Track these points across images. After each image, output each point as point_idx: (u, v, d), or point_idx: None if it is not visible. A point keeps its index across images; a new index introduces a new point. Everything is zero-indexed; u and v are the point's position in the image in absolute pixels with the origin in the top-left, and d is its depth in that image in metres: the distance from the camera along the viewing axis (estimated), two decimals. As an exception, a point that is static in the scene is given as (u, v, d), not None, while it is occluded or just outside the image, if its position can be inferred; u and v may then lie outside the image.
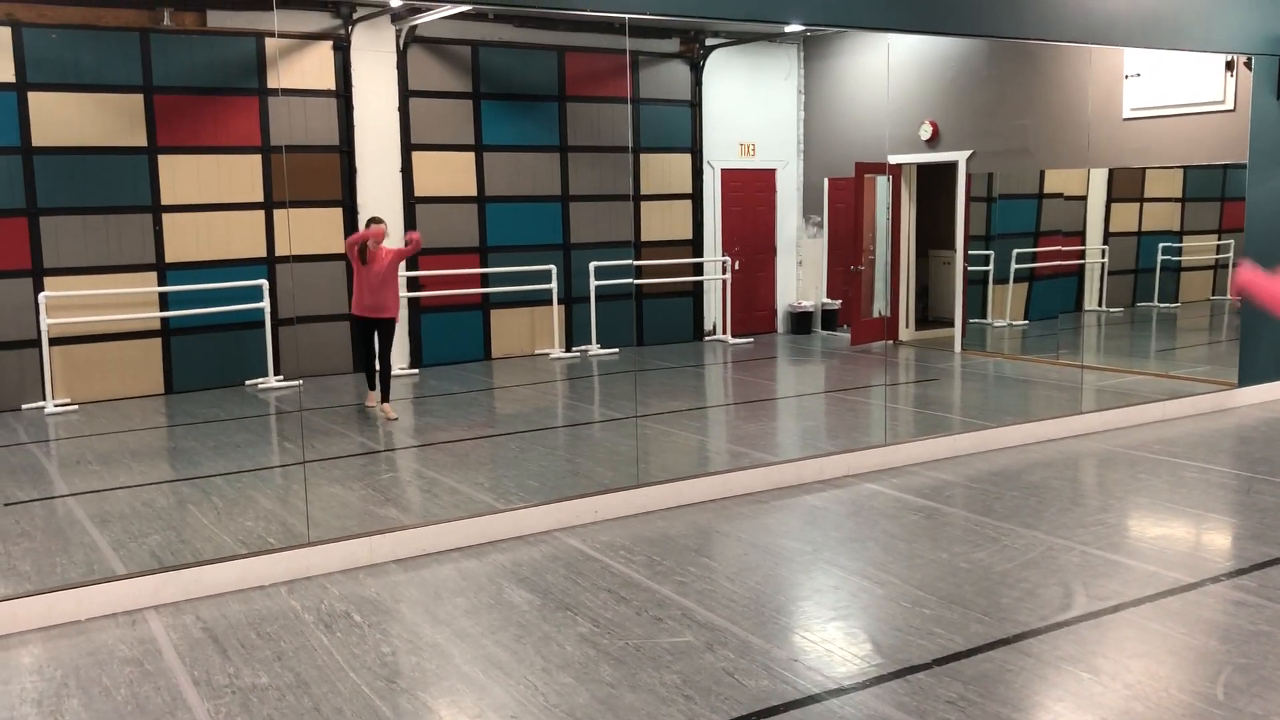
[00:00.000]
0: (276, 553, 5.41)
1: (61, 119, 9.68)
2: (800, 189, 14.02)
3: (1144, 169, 10.86)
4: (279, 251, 10.68)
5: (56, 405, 9.54)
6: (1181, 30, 8.29)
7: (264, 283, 10.50)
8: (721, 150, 13.41)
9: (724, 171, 13.46)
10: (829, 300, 13.89)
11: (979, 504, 6.46)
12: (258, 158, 10.60)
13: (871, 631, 4.61)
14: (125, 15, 9.92)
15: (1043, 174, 11.81)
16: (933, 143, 12.14)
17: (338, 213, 11.02)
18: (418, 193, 11.38)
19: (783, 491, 6.77)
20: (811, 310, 13.89)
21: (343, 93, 10.92)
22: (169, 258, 10.26)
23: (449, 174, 11.57)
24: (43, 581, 5.24)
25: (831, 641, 4.51)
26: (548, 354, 12.08)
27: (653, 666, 4.28)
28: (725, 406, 10.07)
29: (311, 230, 10.85)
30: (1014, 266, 12.22)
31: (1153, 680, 4.09)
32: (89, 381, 9.90)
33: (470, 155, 11.76)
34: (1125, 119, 10.18)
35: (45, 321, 9.53)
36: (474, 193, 11.79)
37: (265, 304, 10.44)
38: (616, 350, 12.25)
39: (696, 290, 13.41)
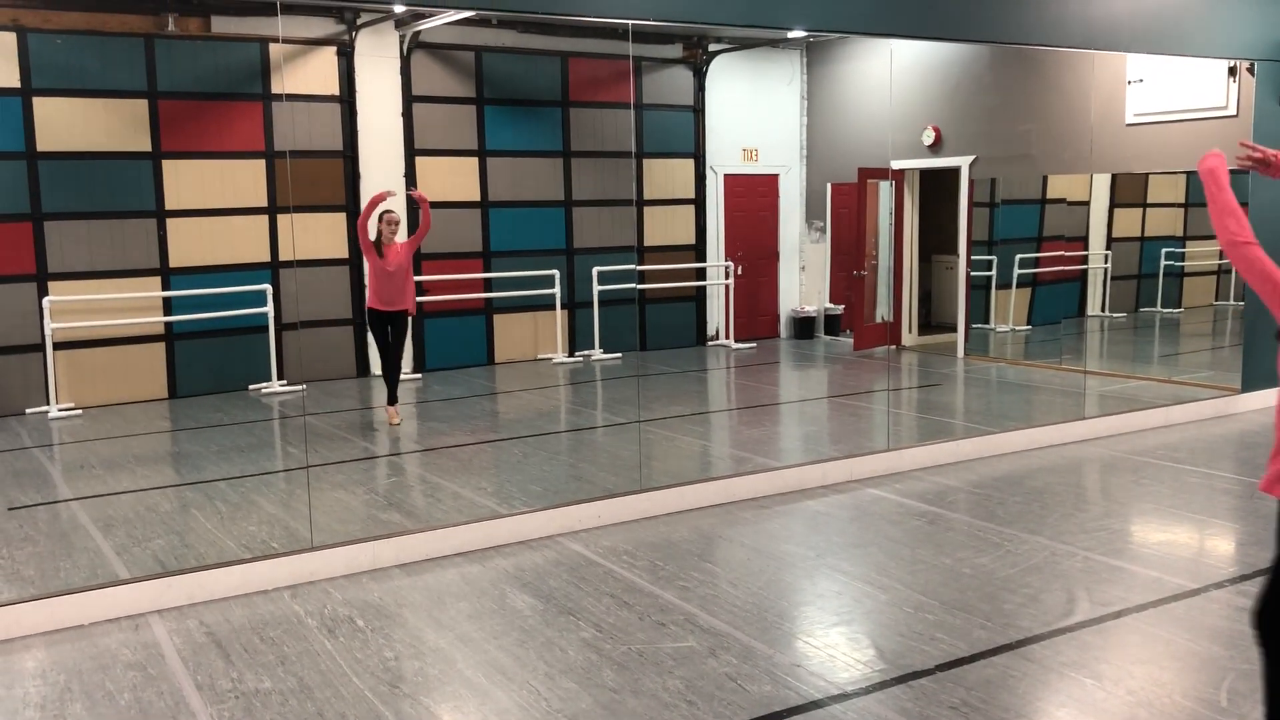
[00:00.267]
0: (280, 557, 5.41)
1: (66, 124, 9.71)
2: (803, 194, 14.02)
3: (1147, 174, 10.86)
4: (283, 256, 10.70)
5: (60, 410, 9.55)
6: (1184, 36, 8.29)
7: (267, 287, 10.52)
8: (724, 155, 13.42)
9: (727, 177, 13.46)
10: (832, 305, 13.89)
11: (982, 509, 6.46)
12: (262, 163, 10.62)
13: (874, 637, 4.61)
14: (130, 21, 9.96)
15: (1045, 179, 11.82)
16: (935, 148, 12.15)
17: (341, 218, 11.04)
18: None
19: (786, 496, 6.77)
20: (814, 315, 13.89)
21: (346, 98, 10.95)
22: (173, 262, 10.28)
23: (452, 179, 11.59)
24: (46, 586, 5.24)
25: (834, 647, 4.51)
26: (551, 359, 12.08)
27: (656, 672, 4.28)
28: (728, 411, 10.07)
29: (315, 235, 10.87)
30: (1017, 271, 12.22)
31: (1156, 686, 4.09)
32: (93, 386, 9.92)
33: (474, 160, 11.78)
34: (1128, 124, 10.18)
35: (49, 326, 9.55)
36: (477, 198, 11.81)
37: (269, 309, 10.46)
38: (619, 355, 12.26)
39: (699, 295, 13.41)
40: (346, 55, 10.92)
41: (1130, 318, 12.17)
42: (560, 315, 12.15)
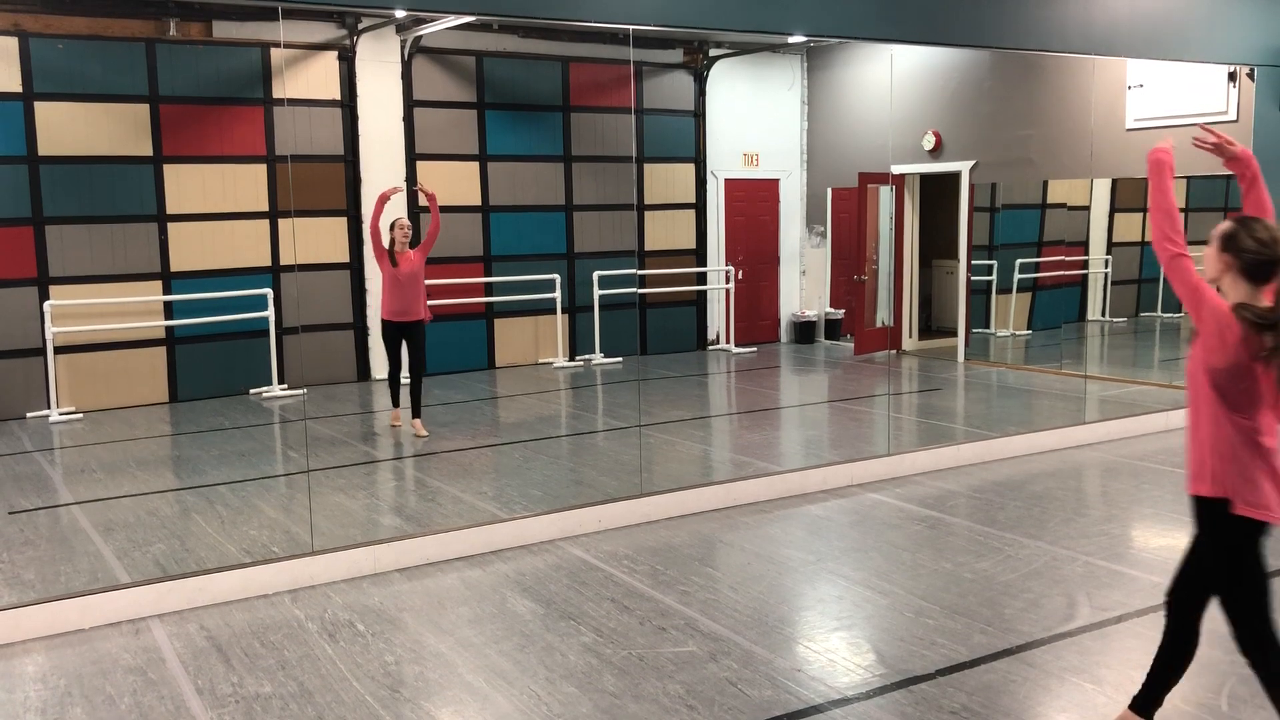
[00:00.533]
0: (280, 561, 5.41)
1: (67, 129, 9.72)
2: (803, 199, 14.03)
3: (1147, 179, 10.87)
4: (284, 261, 10.70)
5: (61, 414, 9.56)
6: (1184, 41, 8.30)
7: (268, 292, 10.52)
8: (725, 160, 13.44)
9: (727, 181, 13.48)
10: (832, 310, 13.90)
11: (982, 514, 6.46)
12: (263, 167, 10.63)
13: (875, 641, 4.61)
14: (131, 25, 9.97)
15: (1046, 184, 11.82)
16: (936, 153, 12.16)
17: (342, 222, 11.05)
18: (422, 202, 11.40)
19: (786, 501, 6.77)
20: (815, 320, 13.89)
21: (348, 103, 10.96)
22: (174, 267, 10.29)
23: (453, 183, 11.60)
24: (47, 590, 5.24)
25: (835, 651, 4.51)
26: (551, 363, 12.09)
27: (656, 676, 4.28)
28: (729, 416, 10.07)
29: (316, 240, 10.88)
30: (1017, 276, 12.23)
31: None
32: (94, 390, 9.92)
33: (474, 165, 11.79)
34: (1128, 129, 10.19)
35: (50, 330, 9.56)
36: (478, 202, 11.82)
37: (270, 313, 10.46)
38: (620, 359, 12.26)
39: (700, 300, 13.42)
40: (347, 60, 10.93)
41: (1130, 322, 12.18)
42: (561, 319, 12.16)
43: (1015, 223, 12.37)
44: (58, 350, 9.66)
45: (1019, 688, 4.14)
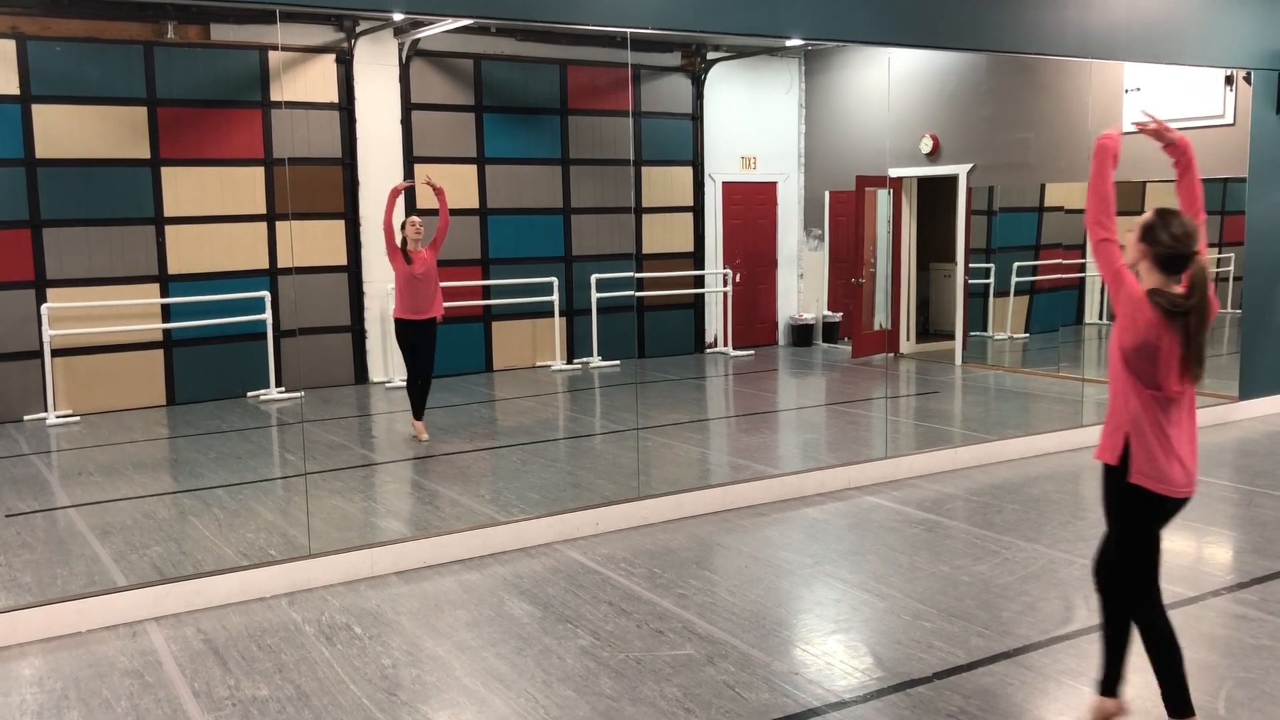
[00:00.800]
0: (277, 564, 5.41)
1: (65, 131, 9.72)
2: (801, 202, 14.04)
3: (1144, 183, 10.88)
4: (281, 263, 10.70)
5: (58, 417, 9.55)
6: (1181, 45, 8.32)
7: (266, 294, 10.52)
8: (723, 163, 13.45)
9: (725, 184, 13.49)
10: (830, 313, 13.91)
11: (980, 517, 6.46)
12: (260, 170, 10.63)
13: (872, 644, 4.61)
14: (129, 28, 9.97)
15: (1043, 187, 11.84)
16: (933, 156, 12.17)
17: (340, 225, 11.05)
18: (420, 205, 11.40)
19: (784, 504, 6.77)
20: (812, 323, 13.90)
21: (345, 105, 10.96)
22: (172, 269, 10.28)
23: (451, 186, 11.57)
24: (43, 593, 5.24)
25: (832, 654, 4.51)
26: (549, 366, 12.09)
27: (653, 679, 4.28)
28: (726, 419, 10.07)
29: (314, 242, 10.87)
30: (1014, 279, 12.24)
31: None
32: (91, 393, 9.91)
33: (472, 168, 11.79)
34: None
35: (48, 333, 9.55)
36: (476, 205, 11.82)
37: (267, 316, 10.46)
38: (618, 362, 12.26)
39: (698, 303, 13.42)
40: (345, 63, 10.94)
41: (1128, 325, 12.16)
42: (559, 322, 12.16)
43: (1013, 226, 12.38)
44: (55, 353, 9.65)
45: (1016, 691, 4.14)
